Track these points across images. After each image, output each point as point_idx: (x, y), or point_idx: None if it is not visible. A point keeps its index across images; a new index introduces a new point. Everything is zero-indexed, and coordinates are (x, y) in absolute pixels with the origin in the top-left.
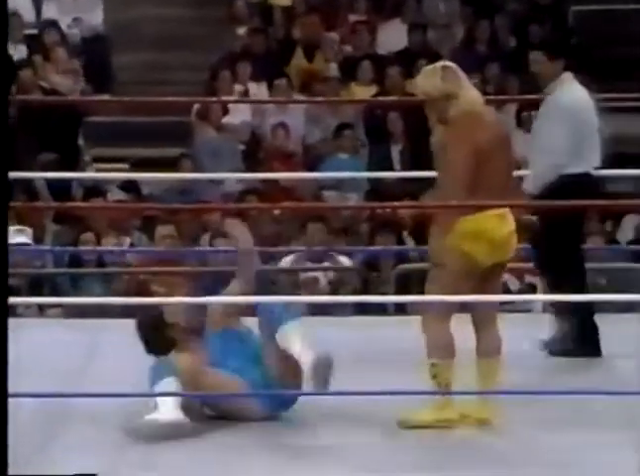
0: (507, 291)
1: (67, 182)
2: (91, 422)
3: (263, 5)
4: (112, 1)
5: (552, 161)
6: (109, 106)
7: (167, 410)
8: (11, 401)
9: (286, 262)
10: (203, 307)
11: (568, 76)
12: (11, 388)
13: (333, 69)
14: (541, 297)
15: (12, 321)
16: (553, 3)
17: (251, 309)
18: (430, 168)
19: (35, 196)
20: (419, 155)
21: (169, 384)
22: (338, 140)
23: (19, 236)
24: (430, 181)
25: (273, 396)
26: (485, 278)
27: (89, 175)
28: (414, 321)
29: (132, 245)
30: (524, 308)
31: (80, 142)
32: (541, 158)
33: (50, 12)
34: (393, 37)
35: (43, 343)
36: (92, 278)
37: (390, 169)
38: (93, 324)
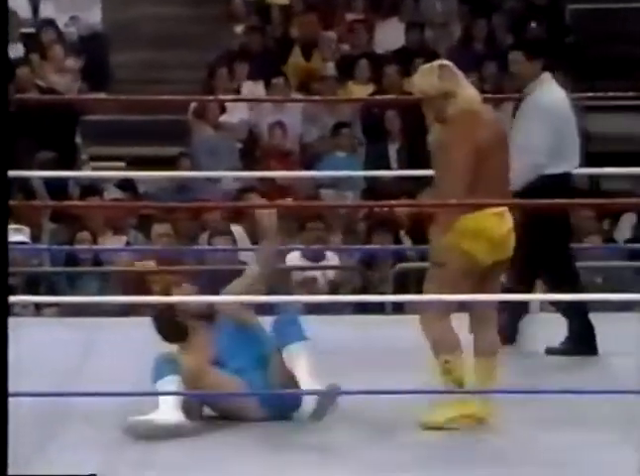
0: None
1: (64, 181)
2: (89, 421)
3: (260, 3)
4: (110, 0)
5: (531, 160)
6: (106, 105)
7: (167, 409)
8: (9, 400)
9: (290, 259)
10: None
11: (547, 76)
12: (9, 387)
13: (330, 68)
14: (537, 296)
15: (9, 320)
16: (550, 2)
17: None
18: (427, 166)
19: (32, 195)
20: (416, 153)
21: (172, 382)
22: (335, 138)
23: (16, 235)
24: (427, 180)
25: (274, 403)
26: (485, 276)
27: (86, 173)
28: (412, 320)
29: (128, 243)
30: None
31: (78, 140)
32: (520, 157)
33: (47, 10)
34: (391, 35)
35: (39, 342)
36: (89, 276)
37: (388, 167)
38: (90, 323)
